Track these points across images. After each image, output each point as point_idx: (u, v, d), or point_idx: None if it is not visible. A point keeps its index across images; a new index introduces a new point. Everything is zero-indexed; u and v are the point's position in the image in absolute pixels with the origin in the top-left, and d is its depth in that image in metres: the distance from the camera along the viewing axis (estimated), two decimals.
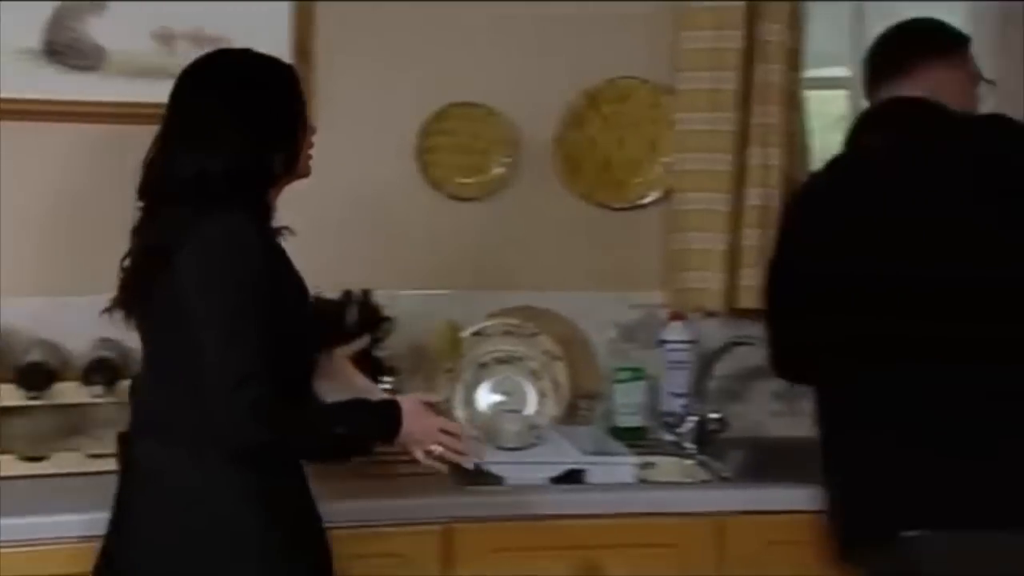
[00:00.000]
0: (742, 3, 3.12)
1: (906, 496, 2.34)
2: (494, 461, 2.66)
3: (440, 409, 2.36)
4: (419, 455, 2.28)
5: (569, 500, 2.63)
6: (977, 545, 2.27)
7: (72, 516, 2.42)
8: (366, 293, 2.99)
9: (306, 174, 2.33)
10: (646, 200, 3.23)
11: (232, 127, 2.19)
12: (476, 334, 3.05)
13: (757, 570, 2.64)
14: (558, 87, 3.18)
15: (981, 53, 3.33)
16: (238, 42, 2.38)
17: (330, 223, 3.10)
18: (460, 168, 3.17)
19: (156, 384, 2.23)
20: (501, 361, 3.05)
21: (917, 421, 2.35)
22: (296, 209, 2.32)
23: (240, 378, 2.05)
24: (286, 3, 3.04)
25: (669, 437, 3.14)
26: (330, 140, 3.06)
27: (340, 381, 2.45)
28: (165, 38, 3.01)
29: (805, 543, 2.52)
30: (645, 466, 2.85)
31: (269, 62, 2.28)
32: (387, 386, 2.65)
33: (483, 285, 3.14)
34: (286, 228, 2.31)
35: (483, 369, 3.04)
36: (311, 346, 2.31)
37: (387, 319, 2.97)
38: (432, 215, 3.14)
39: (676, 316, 3.20)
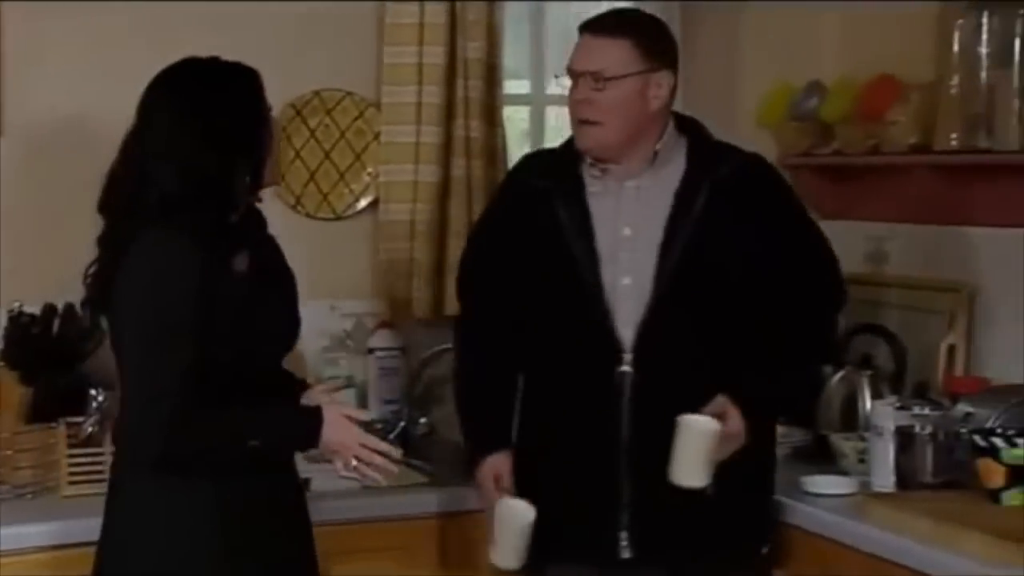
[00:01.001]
0: (443, 14, 3.21)
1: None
2: None
3: (367, 425, 2.36)
4: (338, 466, 2.30)
5: None
6: None
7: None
8: (69, 307, 2.91)
9: (275, 181, 2.33)
10: (354, 210, 3.29)
11: (188, 137, 2.20)
12: None
13: (475, 567, 2.74)
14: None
15: None
16: None
17: (28, 235, 3.01)
18: None
19: (119, 396, 2.28)
20: None
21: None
22: None
23: (154, 394, 2.12)
24: None
25: None
26: (22, 148, 3.00)
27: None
28: None
29: None
30: None
31: (230, 68, 2.27)
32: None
33: None
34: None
35: None
36: (260, 359, 2.30)
37: (94, 334, 2.90)
38: None
39: (384, 324, 3.27)
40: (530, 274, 2.51)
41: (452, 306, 3.26)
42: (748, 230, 2.45)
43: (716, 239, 2.44)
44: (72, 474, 2.70)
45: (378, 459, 2.29)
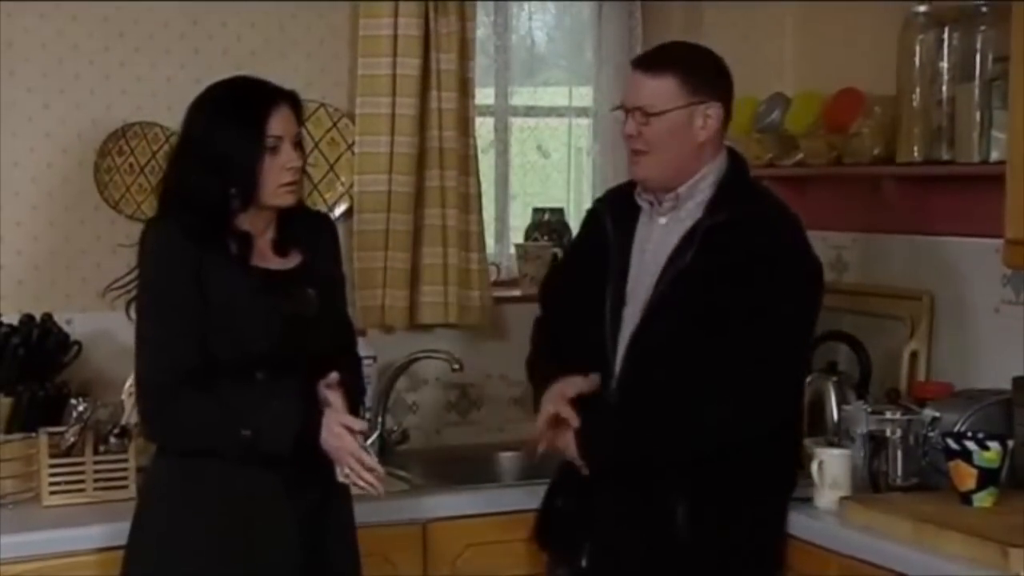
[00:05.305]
0: (417, 27, 3.24)
1: None
2: None
3: (363, 435, 2.36)
4: (337, 471, 2.33)
5: None
6: None
7: None
8: (47, 317, 2.90)
9: (275, 202, 2.35)
10: None
11: (180, 164, 2.33)
12: None
13: (459, 572, 2.80)
14: None
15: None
16: None
17: (4, 246, 3.00)
18: (141, 188, 3.12)
19: None
20: None
21: None
22: None
23: (142, 381, 2.26)
24: None
25: None
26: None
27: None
28: None
29: (500, 543, 2.74)
30: None
31: (236, 94, 2.35)
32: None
33: None
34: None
35: None
36: (251, 351, 2.31)
37: (73, 343, 2.91)
38: (111, 235, 3.07)
39: (358, 332, 3.27)
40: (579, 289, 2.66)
41: (427, 314, 3.32)
42: (721, 286, 2.46)
43: (694, 287, 2.48)
44: (53, 484, 2.69)
45: (366, 475, 2.32)
